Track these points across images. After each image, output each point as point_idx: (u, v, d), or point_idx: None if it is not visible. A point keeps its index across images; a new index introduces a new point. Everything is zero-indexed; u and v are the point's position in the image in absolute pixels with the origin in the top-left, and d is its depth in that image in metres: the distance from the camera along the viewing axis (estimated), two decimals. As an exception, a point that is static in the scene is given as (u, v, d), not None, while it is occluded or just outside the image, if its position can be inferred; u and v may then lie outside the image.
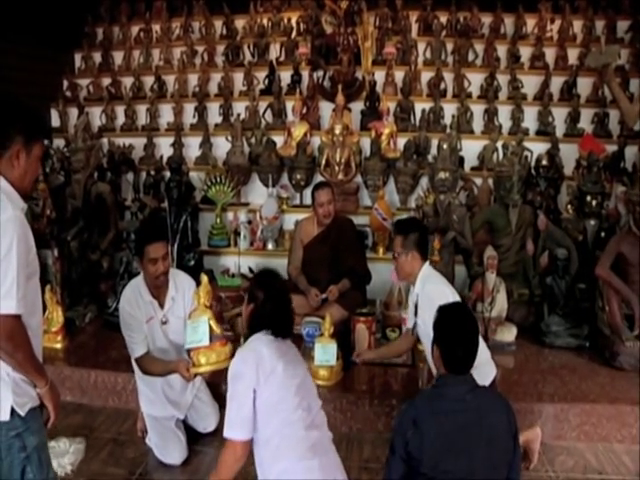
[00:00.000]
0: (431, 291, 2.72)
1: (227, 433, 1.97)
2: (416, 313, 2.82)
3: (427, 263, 2.89)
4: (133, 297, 2.73)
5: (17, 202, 1.75)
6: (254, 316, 2.12)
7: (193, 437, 2.96)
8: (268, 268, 2.40)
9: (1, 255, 1.63)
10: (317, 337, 3.37)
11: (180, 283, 2.85)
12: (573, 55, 5.98)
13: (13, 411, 1.73)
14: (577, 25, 6.18)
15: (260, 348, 1.99)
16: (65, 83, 6.39)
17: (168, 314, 2.81)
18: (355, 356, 3.28)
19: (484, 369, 2.59)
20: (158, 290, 2.80)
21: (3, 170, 1.75)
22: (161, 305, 2.81)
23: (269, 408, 1.94)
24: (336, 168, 4.98)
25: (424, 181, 4.93)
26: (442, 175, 4.33)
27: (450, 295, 2.70)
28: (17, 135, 1.75)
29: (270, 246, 4.85)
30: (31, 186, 1.89)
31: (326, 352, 3.20)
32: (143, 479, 2.76)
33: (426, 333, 2.59)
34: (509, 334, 3.80)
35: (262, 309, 2.10)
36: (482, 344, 2.64)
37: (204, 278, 2.55)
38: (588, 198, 4.24)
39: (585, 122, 5.53)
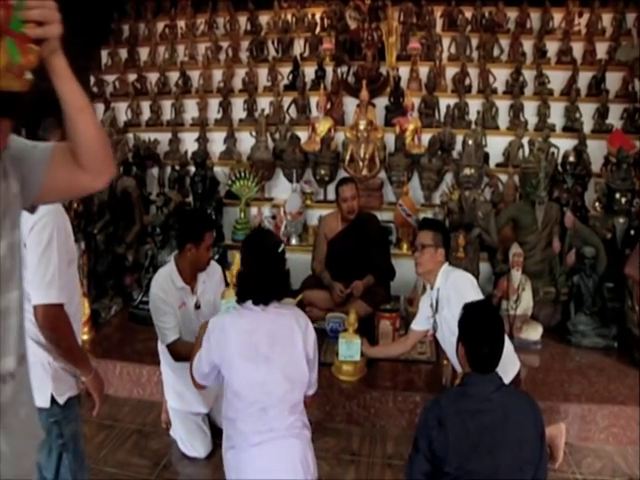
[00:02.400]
0: (457, 278, 2.72)
1: (192, 369, 2.05)
2: (437, 310, 2.80)
3: (447, 264, 2.87)
4: (165, 284, 2.76)
5: None
6: (238, 279, 2.04)
7: (218, 430, 2.98)
8: (260, 229, 2.27)
9: (42, 246, 1.67)
10: (341, 332, 3.36)
11: (209, 267, 2.91)
12: (602, 49, 5.86)
13: (53, 399, 1.78)
14: (606, 18, 6.05)
15: (228, 333, 1.91)
16: (92, 79, 6.47)
17: (200, 298, 2.86)
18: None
19: (506, 363, 2.55)
20: (191, 276, 2.84)
21: None
22: (192, 290, 2.85)
23: (227, 391, 1.96)
24: (360, 164, 4.96)
25: (449, 177, 4.89)
26: (467, 171, 4.29)
27: (475, 283, 2.71)
28: (56, 129, 1.80)
29: (294, 241, 4.85)
30: None
31: (350, 347, 3.20)
32: (167, 470, 2.79)
33: (451, 330, 2.57)
34: (534, 333, 3.75)
35: (243, 272, 2.01)
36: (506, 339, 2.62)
37: (236, 256, 2.56)
38: (617, 195, 4.15)
39: (614, 118, 5.42)
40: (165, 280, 2.78)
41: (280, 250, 2.01)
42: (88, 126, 1.13)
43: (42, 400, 1.76)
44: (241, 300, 1.99)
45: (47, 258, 1.67)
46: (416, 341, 3.14)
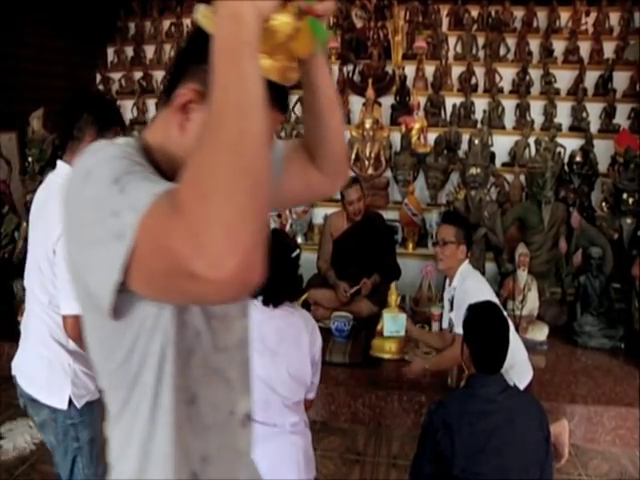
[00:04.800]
0: (470, 287, 2.67)
1: None
2: (451, 309, 2.78)
3: (467, 260, 2.85)
4: None
5: None
6: None
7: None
8: (277, 230, 2.27)
9: None
10: (384, 309, 3.25)
11: None
12: (609, 48, 5.82)
13: (70, 402, 1.78)
14: (614, 17, 6.01)
15: None
16: (98, 77, 6.48)
17: None
18: (407, 371, 3.05)
19: (521, 369, 2.55)
20: None
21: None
22: None
23: None
24: (366, 163, 4.96)
25: (455, 177, 4.87)
26: (473, 171, 4.28)
27: (487, 294, 2.64)
28: (89, 126, 1.77)
29: (299, 240, 4.83)
30: None
31: (396, 322, 3.10)
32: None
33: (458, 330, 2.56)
34: (540, 333, 3.74)
35: None
36: (519, 343, 2.61)
37: None
38: (624, 196, 4.13)
39: (621, 117, 5.38)
40: None
41: (294, 255, 2.00)
42: (338, 123, 1.02)
43: (60, 401, 1.77)
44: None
45: None
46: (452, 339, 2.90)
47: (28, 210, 4.23)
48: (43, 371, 1.78)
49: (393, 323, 3.10)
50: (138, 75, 6.36)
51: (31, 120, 4.55)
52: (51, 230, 1.65)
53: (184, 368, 0.85)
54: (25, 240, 3.91)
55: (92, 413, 1.85)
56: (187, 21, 6.57)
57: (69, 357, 1.78)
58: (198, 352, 0.88)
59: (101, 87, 6.39)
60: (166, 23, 6.67)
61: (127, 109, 6.05)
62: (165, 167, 0.82)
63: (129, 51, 6.60)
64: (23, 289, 1.81)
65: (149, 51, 6.58)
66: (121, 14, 6.74)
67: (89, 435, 1.83)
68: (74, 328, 1.67)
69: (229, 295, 0.66)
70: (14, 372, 1.86)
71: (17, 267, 3.86)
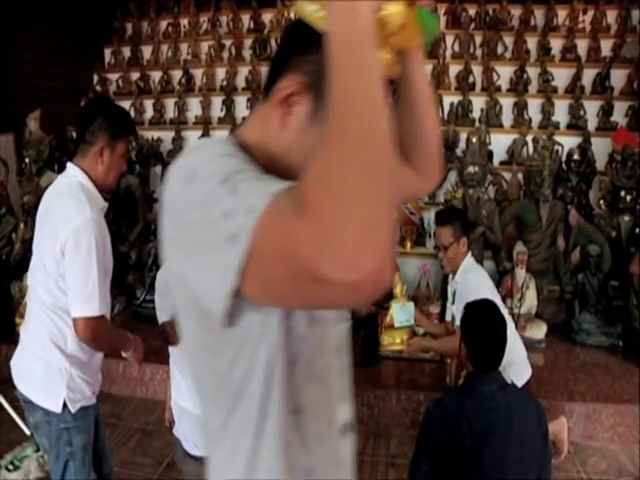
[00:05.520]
0: (471, 281, 2.67)
1: None
2: (453, 302, 2.78)
3: (470, 253, 2.84)
4: None
5: (97, 202, 1.76)
6: None
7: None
8: None
9: (82, 259, 1.66)
10: (392, 300, 3.24)
11: None
12: (606, 46, 5.81)
13: (65, 405, 1.77)
14: (611, 15, 6.01)
15: None
16: (95, 77, 6.47)
17: None
18: (407, 349, 3.17)
19: (519, 367, 2.54)
20: None
21: (87, 167, 1.78)
22: None
23: None
24: (363, 162, 4.94)
25: (453, 175, 4.86)
26: (471, 169, 4.28)
27: (488, 289, 2.64)
28: (102, 132, 1.78)
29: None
30: (115, 182, 1.88)
31: (405, 311, 3.08)
32: (170, 469, 2.79)
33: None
34: (539, 331, 3.74)
35: None
36: (518, 341, 2.60)
37: None
38: (622, 193, 4.13)
39: (619, 115, 5.37)
40: None
41: None
42: (434, 120, 1.00)
43: (54, 404, 1.77)
44: None
45: (86, 271, 1.66)
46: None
47: (25, 212, 4.26)
48: (39, 373, 1.78)
49: (402, 312, 3.08)
50: (135, 76, 6.35)
51: (28, 121, 4.54)
52: (60, 230, 1.66)
53: (289, 376, 0.82)
54: (23, 242, 3.91)
55: (87, 419, 1.85)
56: (184, 21, 6.57)
57: (66, 361, 1.77)
58: (301, 359, 0.84)
59: (98, 88, 6.39)
60: (163, 24, 6.66)
61: (124, 110, 6.05)
62: (263, 164, 0.78)
63: (126, 52, 6.59)
64: (21, 290, 1.82)
65: (146, 52, 6.57)
66: (118, 15, 6.72)
67: (82, 440, 1.83)
68: (85, 330, 1.68)
69: (359, 298, 0.65)
70: (12, 372, 1.87)
71: (14, 269, 3.86)
